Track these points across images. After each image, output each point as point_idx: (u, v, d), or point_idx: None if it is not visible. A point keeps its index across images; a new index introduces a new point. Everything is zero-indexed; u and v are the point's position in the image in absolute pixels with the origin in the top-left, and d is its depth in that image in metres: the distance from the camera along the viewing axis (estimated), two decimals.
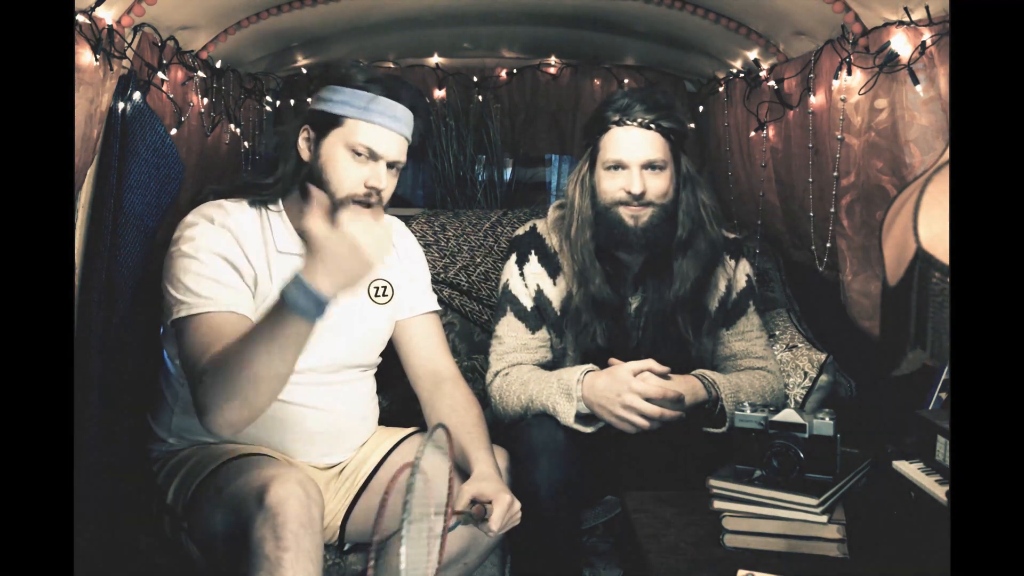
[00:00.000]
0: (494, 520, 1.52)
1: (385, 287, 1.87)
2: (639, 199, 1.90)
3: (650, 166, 1.91)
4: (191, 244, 1.64)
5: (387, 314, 1.89)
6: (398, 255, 1.94)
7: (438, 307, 1.96)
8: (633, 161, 1.90)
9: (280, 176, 1.74)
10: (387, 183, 1.70)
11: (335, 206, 1.63)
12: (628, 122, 1.91)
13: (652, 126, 1.91)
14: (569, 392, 1.82)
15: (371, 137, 1.67)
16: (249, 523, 1.45)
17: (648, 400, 1.77)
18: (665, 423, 1.80)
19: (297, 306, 1.30)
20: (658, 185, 1.92)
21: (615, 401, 1.78)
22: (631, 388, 1.77)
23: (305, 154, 1.71)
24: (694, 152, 2.88)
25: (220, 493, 1.59)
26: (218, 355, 1.45)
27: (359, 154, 1.67)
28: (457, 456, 1.68)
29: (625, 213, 1.92)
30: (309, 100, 1.78)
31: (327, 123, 1.68)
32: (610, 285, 1.97)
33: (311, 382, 1.76)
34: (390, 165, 1.70)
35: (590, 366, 1.87)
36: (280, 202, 1.76)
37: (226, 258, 1.65)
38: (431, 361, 1.89)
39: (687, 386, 1.85)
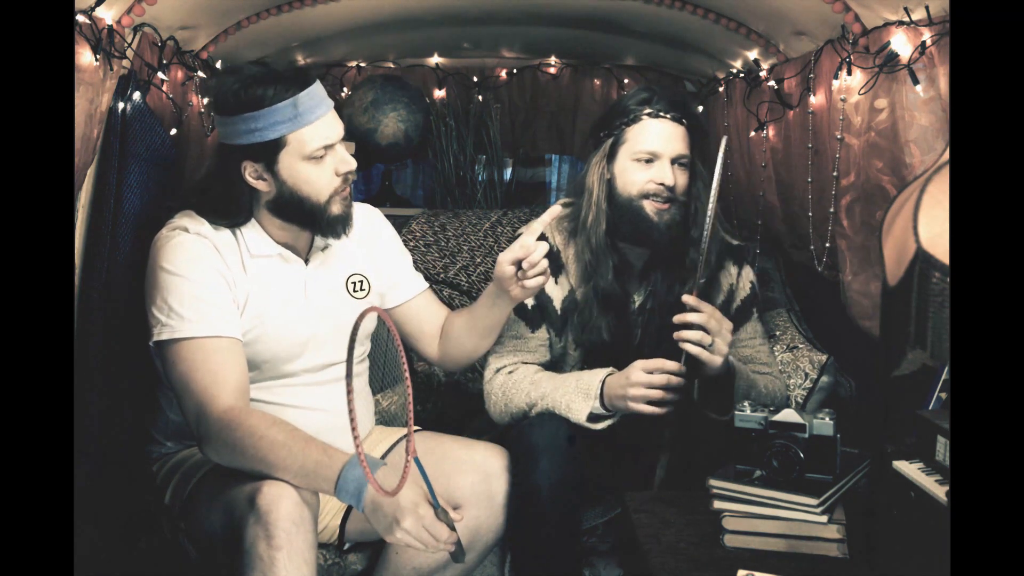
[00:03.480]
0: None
1: (362, 281, 1.86)
2: (671, 192, 1.89)
3: (679, 161, 1.90)
4: (172, 259, 1.62)
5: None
6: (377, 246, 1.92)
7: (426, 284, 1.99)
8: (666, 154, 1.88)
9: (235, 213, 1.70)
10: (350, 158, 1.68)
11: (323, 208, 1.67)
12: (663, 114, 1.89)
13: (684, 121, 1.90)
14: (588, 392, 1.82)
15: (319, 136, 1.63)
16: (242, 523, 1.46)
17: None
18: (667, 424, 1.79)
19: (345, 489, 1.45)
20: (684, 181, 1.91)
21: (625, 386, 1.78)
22: (636, 372, 1.78)
23: (263, 186, 1.66)
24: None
25: (215, 493, 1.59)
26: (235, 427, 1.51)
27: (318, 157, 1.64)
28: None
29: (650, 208, 1.89)
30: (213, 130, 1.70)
31: (269, 151, 1.62)
32: (616, 281, 1.97)
33: (303, 383, 1.76)
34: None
35: (610, 369, 1.87)
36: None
37: (208, 269, 1.63)
38: (441, 321, 1.96)
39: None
